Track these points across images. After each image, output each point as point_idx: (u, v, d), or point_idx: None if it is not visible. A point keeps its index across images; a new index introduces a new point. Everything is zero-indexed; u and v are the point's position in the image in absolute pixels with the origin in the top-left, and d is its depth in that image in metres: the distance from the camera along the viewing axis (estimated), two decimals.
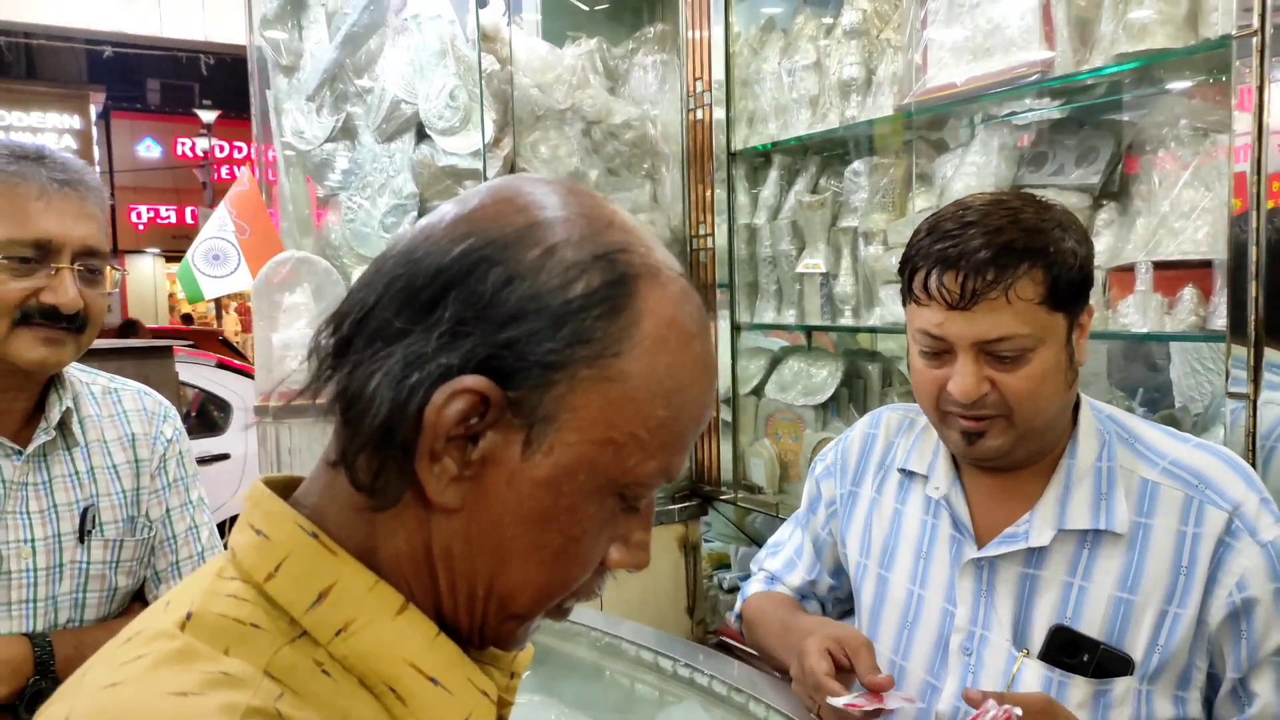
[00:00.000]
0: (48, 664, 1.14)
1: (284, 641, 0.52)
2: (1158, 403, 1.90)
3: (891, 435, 1.30)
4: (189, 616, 0.52)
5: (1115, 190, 1.62)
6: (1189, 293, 1.42)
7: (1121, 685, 1.04)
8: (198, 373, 5.43)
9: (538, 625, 0.61)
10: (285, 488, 0.60)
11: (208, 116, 14.59)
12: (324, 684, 0.52)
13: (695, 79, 2.41)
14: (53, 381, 1.23)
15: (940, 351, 1.06)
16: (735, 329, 2.37)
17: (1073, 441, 1.11)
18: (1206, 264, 1.40)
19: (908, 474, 1.25)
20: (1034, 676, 1.07)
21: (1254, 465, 1.28)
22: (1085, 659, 1.04)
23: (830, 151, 2.27)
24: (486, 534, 0.55)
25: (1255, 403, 1.28)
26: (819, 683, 1.07)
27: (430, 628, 0.56)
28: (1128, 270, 1.51)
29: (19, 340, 1.13)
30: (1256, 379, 1.28)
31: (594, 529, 0.56)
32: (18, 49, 14.65)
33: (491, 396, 0.52)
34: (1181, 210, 1.45)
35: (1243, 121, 1.28)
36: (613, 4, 2.67)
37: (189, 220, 15.95)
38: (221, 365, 5.90)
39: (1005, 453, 1.07)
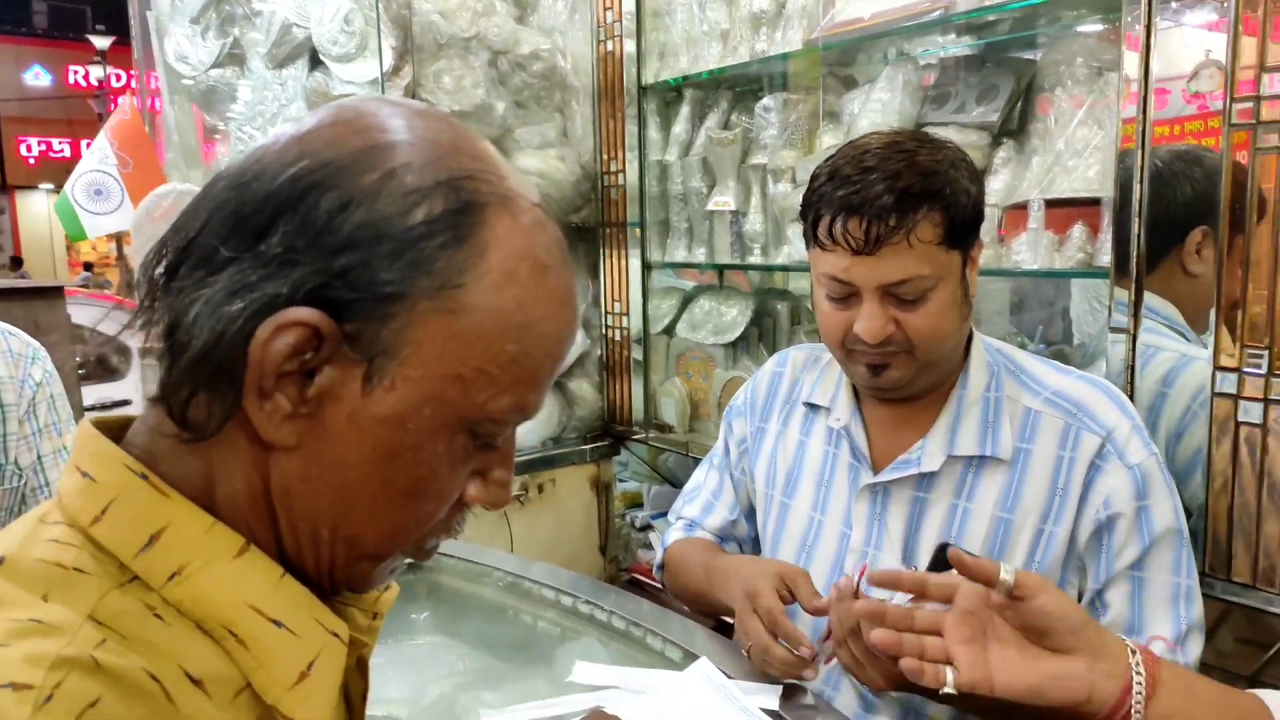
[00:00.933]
0: None
1: (111, 586, 0.49)
2: (1057, 340, 1.96)
3: (798, 372, 1.36)
4: (2, 561, 0.49)
5: (1014, 128, 1.63)
6: (1078, 230, 1.45)
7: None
8: (94, 315, 5.18)
9: (397, 566, 0.59)
10: (119, 429, 0.55)
11: (101, 43, 13.72)
12: (156, 628, 0.49)
13: (605, 9, 2.34)
14: None
15: (846, 295, 1.10)
16: (646, 267, 2.35)
17: (964, 373, 1.18)
18: (1096, 202, 1.43)
19: (811, 407, 1.31)
20: None
21: (1131, 398, 1.32)
22: None
23: (742, 87, 2.24)
24: (328, 473, 0.52)
25: (1135, 337, 1.32)
26: (788, 632, 1.10)
27: (274, 569, 0.53)
28: (1022, 208, 1.53)
29: None
30: (1136, 314, 1.32)
31: (444, 467, 0.54)
32: None
33: (323, 329, 0.49)
34: (1075, 149, 1.48)
35: (1131, 62, 1.30)
36: None
37: (83, 154, 15.10)
38: (120, 306, 5.64)
39: (907, 383, 1.14)
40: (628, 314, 2.39)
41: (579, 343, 2.43)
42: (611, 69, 2.36)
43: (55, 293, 3.25)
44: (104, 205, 2.48)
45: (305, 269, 0.49)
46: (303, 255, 0.49)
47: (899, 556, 1.16)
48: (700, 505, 1.45)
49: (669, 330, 2.39)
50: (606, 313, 2.45)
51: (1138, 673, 0.80)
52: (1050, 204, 1.48)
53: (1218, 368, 1.24)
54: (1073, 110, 1.51)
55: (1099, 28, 1.53)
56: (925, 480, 1.16)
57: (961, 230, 1.07)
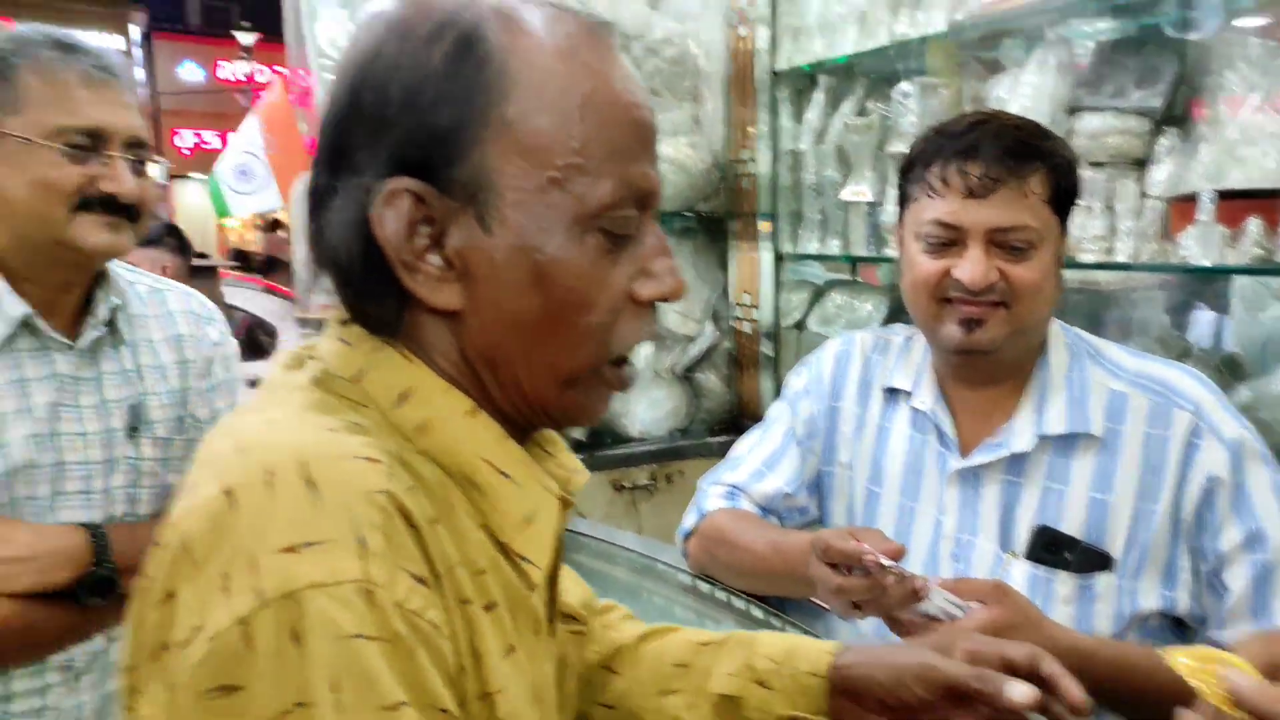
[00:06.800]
0: (105, 553, 1.16)
1: (383, 425, 0.57)
2: (1212, 345, 1.83)
3: (867, 353, 1.34)
4: (320, 375, 0.58)
5: (1178, 115, 1.54)
6: (1254, 224, 1.36)
7: (1103, 581, 1.10)
8: (246, 296, 5.51)
9: (605, 394, 0.62)
10: None
11: (246, 39, 14.49)
12: (420, 461, 0.57)
13: None
14: (99, 279, 1.24)
15: (948, 242, 1.10)
16: (778, 259, 2.33)
17: (1044, 355, 1.17)
18: (1274, 194, 1.34)
19: (891, 392, 1.29)
20: (1021, 575, 1.13)
21: None
22: (1068, 556, 1.11)
23: (878, 73, 2.19)
24: (498, 316, 0.57)
25: None
26: (844, 548, 1.02)
27: (497, 429, 0.59)
28: (1189, 200, 1.44)
29: (81, 225, 1.12)
30: None
31: (589, 270, 0.57)
32: None
33: (414, 188, 0.55)
34: (1250, 137, 1.38)
35: None
36: None
37: None
38: (269, 290, 5.98)
39: (998, 345, 1.12)
40: (758, 307, 2.37)
41: (708, 334, 2.43)
42: (744, 55, 2.34)
43: (211, 273, 3.49)
44: (249, 185, 2.62)
45: (380, 155, 0.55)
46: (374, 147, 0.56)
47: (995, 542, 1.15)
48: (748, 471, 1.40)
49: (799, 324, 2.37)
50: (736, 305, 2.44)
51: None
52: (1222, 195, 1.39)
53: None
54: (1245, 95, 1.41)
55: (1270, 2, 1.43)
56: (1016, 463, 1.15)
57: (1064, 197, 1.09)
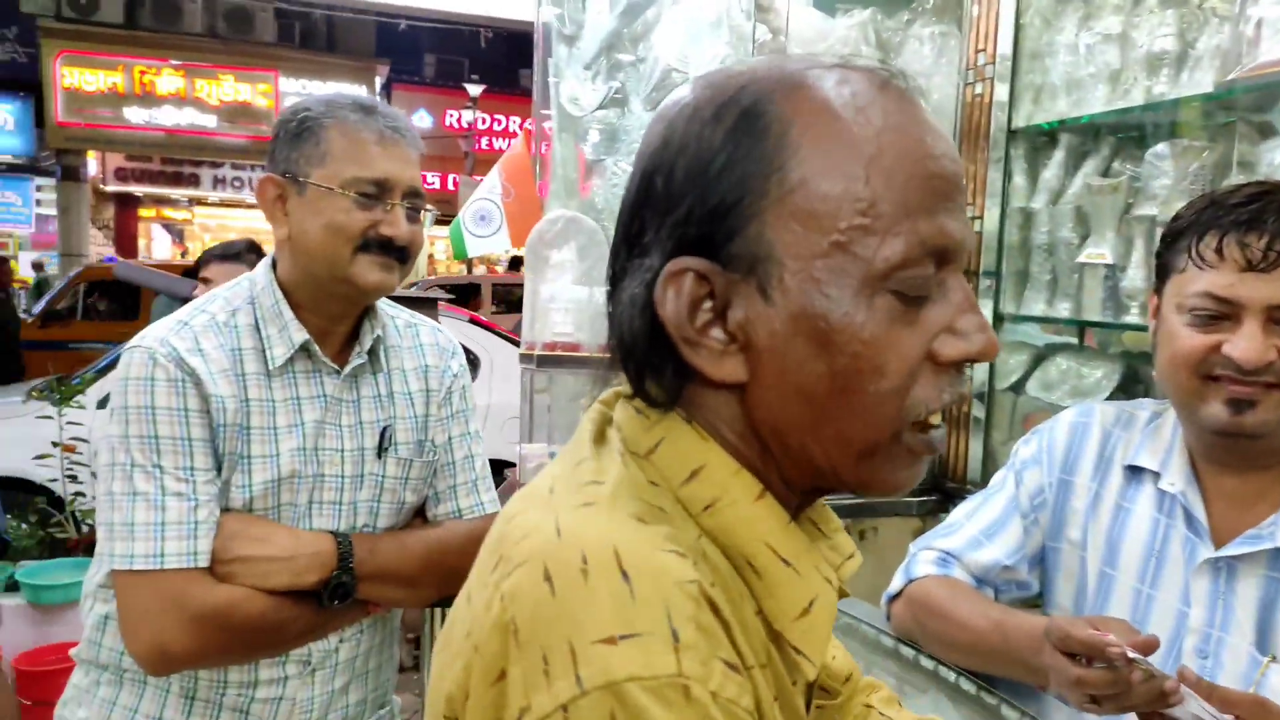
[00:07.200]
0: (348, 560, 1.27)
1: (672, 503, 0.58)
2: None
3: (1108, 426, 1.25)
4: (623, 452, 0.60)
5: None
6: None
7: None
8: (455, 327, 5.87)
9: (911, 462, 0.60)
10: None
11: (474, 90, 15.63)
12: (705, 543, 0.57)
13: (978, 51, 2.28)
14: (367, 312, 1.37)
15: (1219, 316, 1.04)
16: (998, 319, 2.23)
17: None
18: None
19: (1134, 470, 1.20)
20: None
21: None
22: None
23: (1125, 133, 2.08)
24: (784, 387, 0.57)
25: None
26: (1088, 639, 0.97)
27: (783, 514, 0.59)
28: None
29: (360, 265, 1.26)
30: None
31: (879, 334, 0.55)
32: (319, 23, 16.37)
33: (696, 267, 0.56)
34: None
35: None
36: None
37: (450, 187, 17.20)
38: (474, 322, 6.35)
39: (1270, 429, 1.04)
40: (971, 366, 2.28)
41: None
42: (977, 112, 2.29)
43: (432, 303, 3.76)
44: (485, 229, 2.80)
45: (664, 236, 0.57)
46: (661, 228, 0.58)
47: (1251, 641, 1.06)
48: (964, 539, 1.33)
49: (1016, 387, 2.25)
50: None
51: None
52: None
53: None
54: None
55: None
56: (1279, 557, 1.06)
57: None
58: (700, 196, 0.56)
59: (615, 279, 0.61)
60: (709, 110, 0.57)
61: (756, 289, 0.55)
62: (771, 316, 0.55)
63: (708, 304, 0.57)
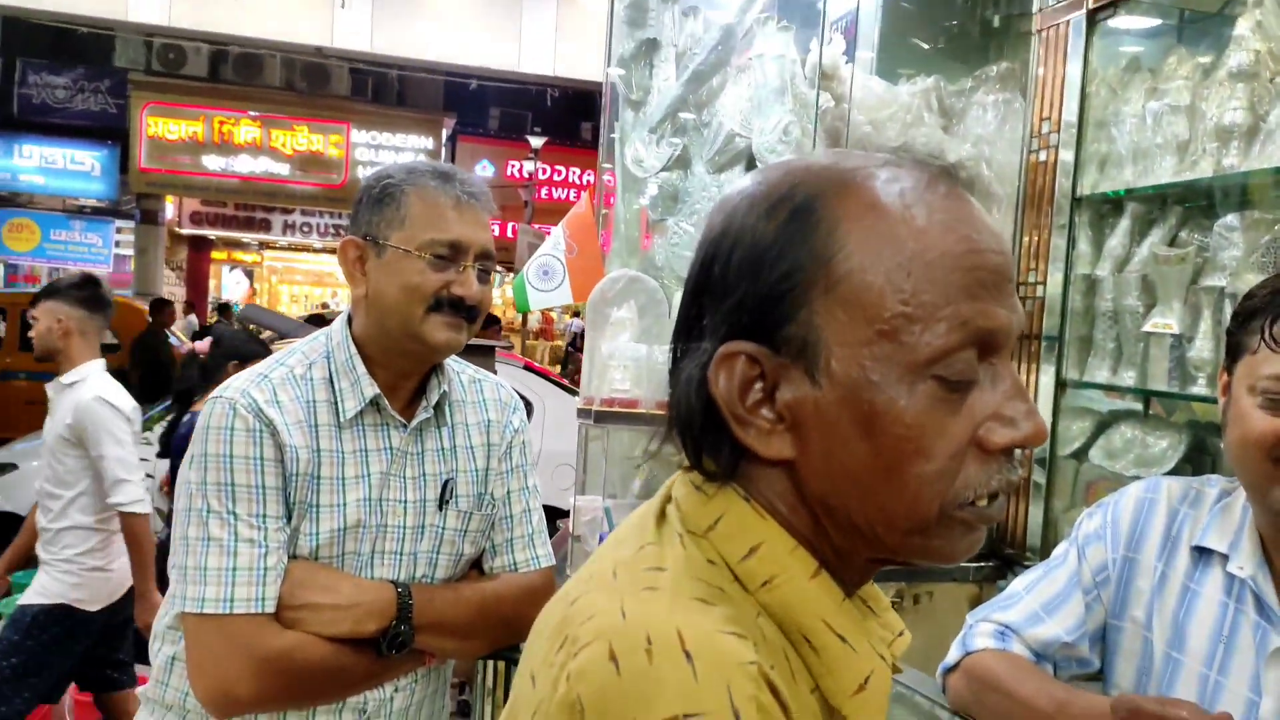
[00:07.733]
0: (407, 611, 1.29)
1: (729, 580, 0.61)
2: None
3: (1175, 503, 1.22)
4: (683, 532, 0.62)
5: None
6: None
7: None
8: (509, 373, 5.96)
9: (965, 534, 0.61)
10: None
11: (536, 142, 15.99)
12: (764, 620, 0.59)
13: (1042, 119, 2.28)
14: (435, 368, 1.41)
15: None
16: (1060, 385, 2.20)
17: None
18: None
19: (1202, 551, 1.17)
20: None
21: None
22: None
23: (1193, 202, 2.06)
24: (831, 464, 0.59)
25: None
26: (1159, 711, 0.97)
27: (837, 592, 0.61)
28: None
29: (431, 324, 1.31)
30: None
31: (924, 418, 0.57)
32: (391, 80, 16.96)
33: (747, 350, 0.60)
34: None
35: None
36: (953, 42, 2.60)
37: (509, 235, 17.54)
38: (528, 368, 6.44)
39: None
40: (1024, 451, 2.24)
41: None
42: (1041, 178, 2.29)
43: (489, 350, 3.84)
44: (548, 284, 2.85)
45: (721, 320, 0.61)
46: (717, 313, 0.61)
47: None
48: (1024, 613, 1.29)
49: (1079, 454, 2.21)
50: None
51: None
52: None
53: None
54: None
55: None
56: None
57: None
58: (753, 285, 0.59)
59: (676, 360, 0.65)
60: (764, 205, 0.61)
61: (804, 372, 0.59)
62: (818, 399, 0.58)
63: (758, 385, 0.60)
